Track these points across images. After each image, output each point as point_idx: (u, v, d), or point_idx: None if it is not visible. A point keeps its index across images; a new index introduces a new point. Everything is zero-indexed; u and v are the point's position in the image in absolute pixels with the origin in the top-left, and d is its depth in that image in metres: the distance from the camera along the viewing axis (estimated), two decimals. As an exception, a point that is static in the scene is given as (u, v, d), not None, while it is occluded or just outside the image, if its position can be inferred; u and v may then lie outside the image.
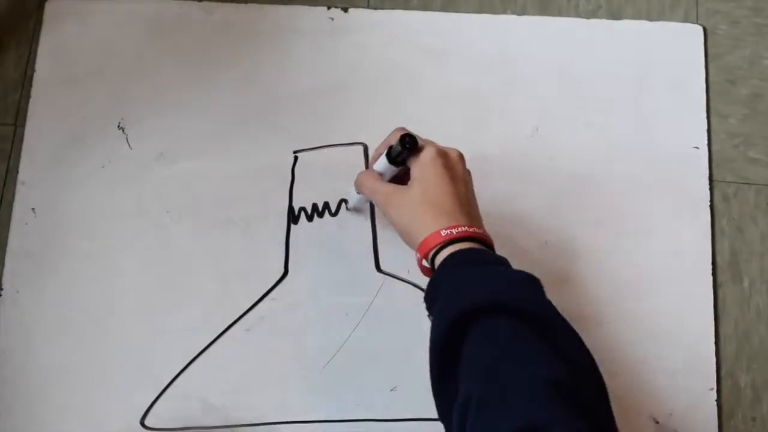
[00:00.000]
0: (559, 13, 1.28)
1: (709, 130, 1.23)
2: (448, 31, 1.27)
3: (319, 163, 1.21)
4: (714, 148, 1.23)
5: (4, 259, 1.18)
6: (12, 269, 1.17)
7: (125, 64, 1.26)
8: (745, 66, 1.27)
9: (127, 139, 1.23)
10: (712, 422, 1.12)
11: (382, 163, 1.01)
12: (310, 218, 1.19)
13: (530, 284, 0.90)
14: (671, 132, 1.23)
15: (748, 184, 1.22)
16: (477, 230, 0.94)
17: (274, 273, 1.17)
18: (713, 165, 1.22)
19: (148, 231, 1.19)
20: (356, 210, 1.18)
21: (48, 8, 1.28)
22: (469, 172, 1.01)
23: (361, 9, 1.28)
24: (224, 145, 1.22)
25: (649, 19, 1.28)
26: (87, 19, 1.27)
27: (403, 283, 1.17)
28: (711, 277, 1.17)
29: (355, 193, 1.10)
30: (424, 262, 0.95)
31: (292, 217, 1.19)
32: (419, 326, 1.10)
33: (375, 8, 1.28)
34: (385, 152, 1.00)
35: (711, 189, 1.21)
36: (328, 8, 1.28)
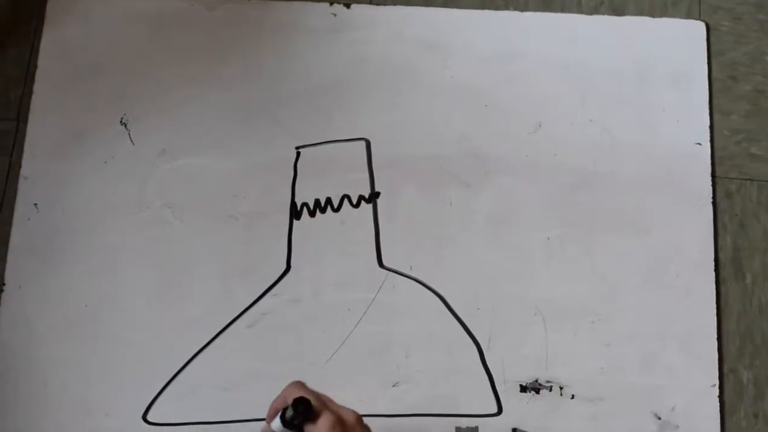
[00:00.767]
0: (562, 9, 1.27)
1: (711, 127, 1.22)
2: (450, 27, 1.26)
3: (322, 158, 1.20)
4: (717, 144, 1.22)
5: (6, 254, 1.17)
6: (14, 264, 1.17)
7: (127, 60, 1.25)
8: (747, 62, 1.26)
9: (129, 135, 1.22)
10: (715, 418, 1.10)
11: (277, 423, 0.90)
12: (312, 214, 1.18)
13: None
14: (674, 128, 1.22)
15: (750, 180, 1.20)
16: None
17: (277, 269, 1.16)
18: (716, 161, 1.21)
19: (150, 227, 1.18)
20: None
21: (50, 4, 1.27)
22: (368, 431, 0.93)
23: (363, 5, 1.27)
24: (226, 141, 1.22)
25: (652, 15, 1.26)
26: (89, 15, 1.26)
27: (406, 278, 1.15)
28: (713, 274, 1.16)
29: None
30: None
31: (295, 213, 1.18)
32: (421, 322, 1.09)
33: (377, 4, 1.27)
34: (279, 414, 0.90)
35: (713, 185, 1.19)
36: (331, 4, 1.26)
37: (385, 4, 1.27)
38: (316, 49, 1.25)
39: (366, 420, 1.08)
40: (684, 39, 1.26)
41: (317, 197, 1.18)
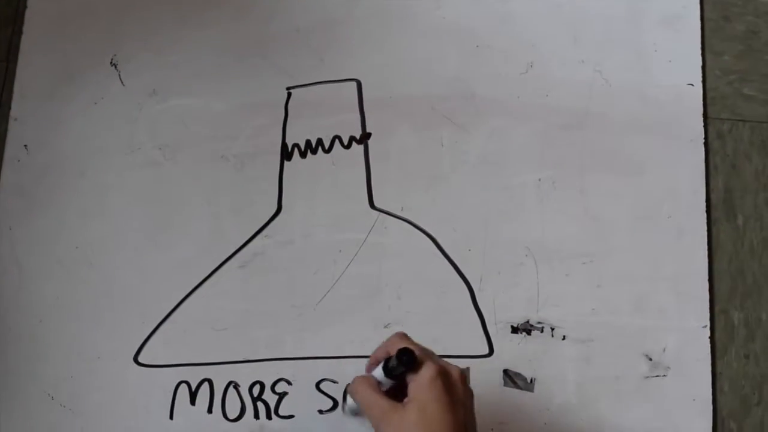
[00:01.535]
0: (555, -51, 1.24)
1: (703, 67, 1.20)
2: (442, -34, 1.23)
3: (313, 99, 1.19)
4: (708, 85, 1.20)
5: (-4, 196, 1.16)
6: (5, 206, 1.16)
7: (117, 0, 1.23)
8: (740, 2, 1.24)
9: (119, 75, 1.20)
10: (705, 359, 1.09)
11: (379, 372, 0.91)
12: (303, 155, 1.16)
13: None
14: (666, 69, 1.20)
15: (742, 121, 1.19)
16: None
17: (268, 209, 1.15)
18: (708, 102, 1.19)
19: (141, 168, 1.17)
20: (353, 413, 1.04)
21: (39, -57, 1.24)
22: (471, 393, 0.91)
23: (355, -56, 1.24)
24: (217, 81, 1.20)
25: (645, -46, 1.24)
26: (78, -47, 1.24)
27: (397, 219, 1.14)
28: (705, 215, 1.14)
29: (350, 397, 1.00)
30: None
31: (286, 154, 1.17)
32: (412, 263, 1.08)
33: (369, -56, 1.24)
34: (382, 363, 0.91)
35: (705, 126, 1.18)
36: (323, -57, 1.24)
37: (376, -57, 1.24)
38: (307, -11, 1.23)
39: (357, 361, 1.07)
40: (677, -22, 1.24)
41: (308, 138, 1.17)
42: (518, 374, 1.08)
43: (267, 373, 1.09)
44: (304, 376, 1.09)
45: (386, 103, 1.18)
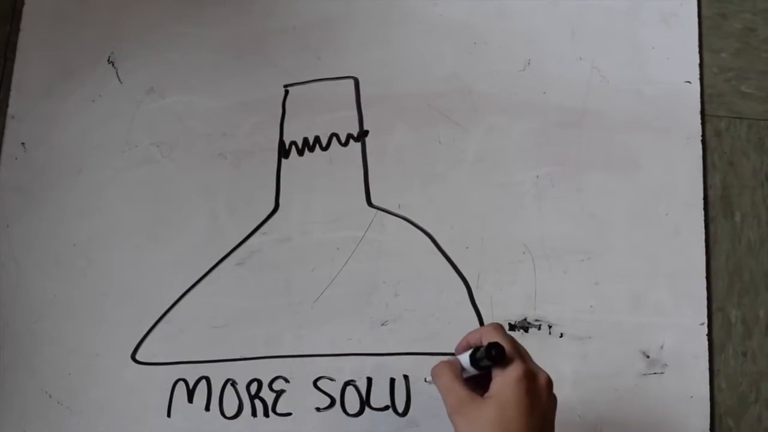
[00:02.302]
0: (552, -54, 1.23)
1: (701, 65, 1.19)
2: (440, -37, 1.22)
3: (310, 97, 1.18)
4: (706, 82, 1.19)
5: (-6, 193, 1.16)
6: (2, 204, 1.15)
7: (115, -3, 1.23)
8: (737, 0, 1.22)
9: (117, 73, 1.20)
10: (703, 356, 1.08)
11: (465, 359, 0.88)
12: (300, 152, 1.16)
13: None
14: (663, 66, 1.19)
15: (740, 118, 1.18)
16: None
17: (265, 207, 1.14)
18: (705, 99, 1.18)
19: (138, 165, 1.16)
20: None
21: (37, -60, 1.24)
22: (554, 400, 0.87)
23: (352, -58, 1.23)
24: (215, 79, 1.19)
25: (642, -49, 1.22)
26: (75, -49, 1.23)
27: (395, 217, 1.13)
28: (702, 212, 1.13)
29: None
30: None
31: (283, 152, 1.16)
32: (410, 260, 1.07)
33: (366, -59, 1.23)
34: (470, 351, 0.88)
35: (703, 123, 1.17)
36: (320, -59, 1.23)
37: (374, -59, 1.23)
38: (304, -14, 1.22)
39: (354, 359, 1.06)
40: (674, -25, 1.22)
41: (306, 136, 1.16)
42: (516, 372, 1.07)
43: (264, 371, 1.08)
44: (301, 373, 1.08)
45: (383, 100, 1.17)
